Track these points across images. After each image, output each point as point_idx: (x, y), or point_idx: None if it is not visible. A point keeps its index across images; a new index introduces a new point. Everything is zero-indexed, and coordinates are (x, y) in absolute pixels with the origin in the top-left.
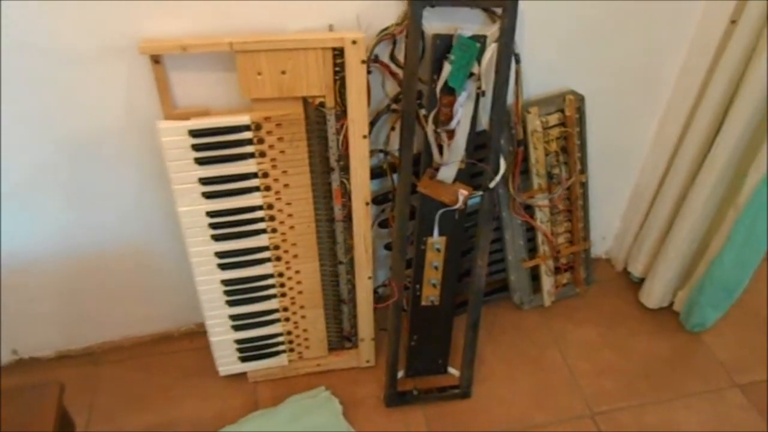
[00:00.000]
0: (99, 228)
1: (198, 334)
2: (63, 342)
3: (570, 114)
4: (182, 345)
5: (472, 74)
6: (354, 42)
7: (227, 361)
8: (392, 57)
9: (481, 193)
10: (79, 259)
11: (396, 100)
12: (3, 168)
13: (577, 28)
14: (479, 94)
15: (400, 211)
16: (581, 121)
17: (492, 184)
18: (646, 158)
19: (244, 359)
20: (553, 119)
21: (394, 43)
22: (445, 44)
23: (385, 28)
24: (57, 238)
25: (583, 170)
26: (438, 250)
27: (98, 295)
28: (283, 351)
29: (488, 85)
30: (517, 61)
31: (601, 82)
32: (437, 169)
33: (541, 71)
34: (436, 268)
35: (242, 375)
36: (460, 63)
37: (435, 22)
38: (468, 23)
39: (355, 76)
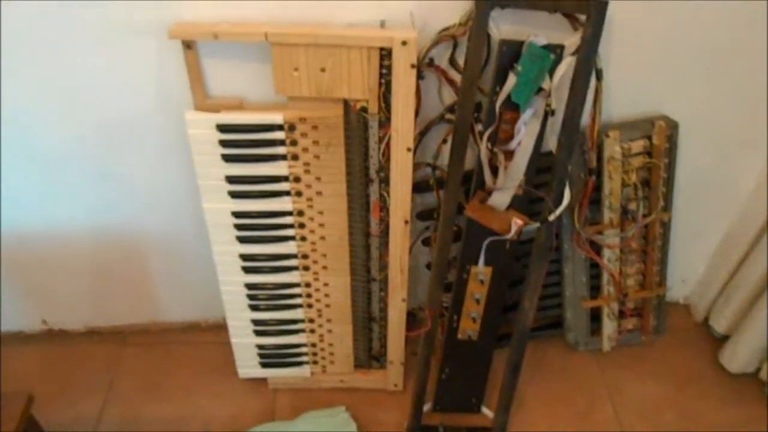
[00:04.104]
0: (131, 210)
1: (225, 328)
2: (92, 318)
3: (658, 143)
4: (208, 337)
5: (541, 89)
6: (404, 43)
7: (247, 364)
8: (452, 61)
9: (538, 224)
10: (112, 239)
11: (451, 110)
12: (40, 142)
13: (677, 40)
14: (548, 113)
15: (442, 234)
16: (671, 151)
17: (552, 218)
18: (748, 200)
19: (264, 365)
20: (637, 146)
21: (455, 45)
22: (513, 52)
23: (446, 28)
24: (91, 216)
25: (667, 208)
26: (482, 281)
27: (129, 276)
28: (306, 362)
29: (559, 104)
30: (599, 78)
31: (701, 106)
32: (490, 193)
33: (627, 90)
34: (477, 300)
35: (263, 379)
36: (528, 76)
37: (505, 25)
38: (543, 29)
39: (403, 81)
